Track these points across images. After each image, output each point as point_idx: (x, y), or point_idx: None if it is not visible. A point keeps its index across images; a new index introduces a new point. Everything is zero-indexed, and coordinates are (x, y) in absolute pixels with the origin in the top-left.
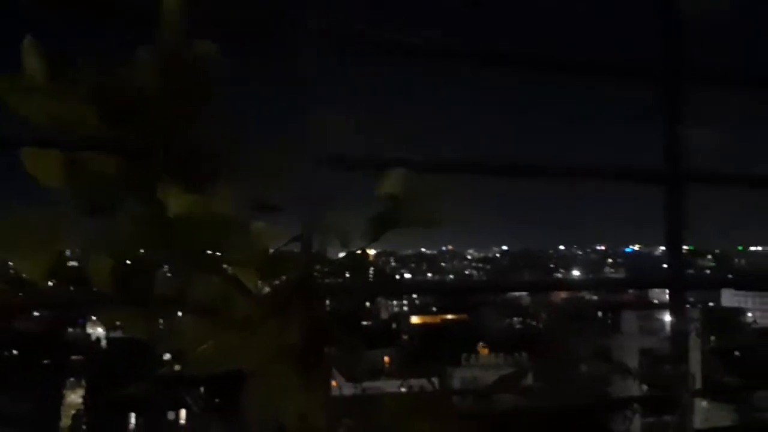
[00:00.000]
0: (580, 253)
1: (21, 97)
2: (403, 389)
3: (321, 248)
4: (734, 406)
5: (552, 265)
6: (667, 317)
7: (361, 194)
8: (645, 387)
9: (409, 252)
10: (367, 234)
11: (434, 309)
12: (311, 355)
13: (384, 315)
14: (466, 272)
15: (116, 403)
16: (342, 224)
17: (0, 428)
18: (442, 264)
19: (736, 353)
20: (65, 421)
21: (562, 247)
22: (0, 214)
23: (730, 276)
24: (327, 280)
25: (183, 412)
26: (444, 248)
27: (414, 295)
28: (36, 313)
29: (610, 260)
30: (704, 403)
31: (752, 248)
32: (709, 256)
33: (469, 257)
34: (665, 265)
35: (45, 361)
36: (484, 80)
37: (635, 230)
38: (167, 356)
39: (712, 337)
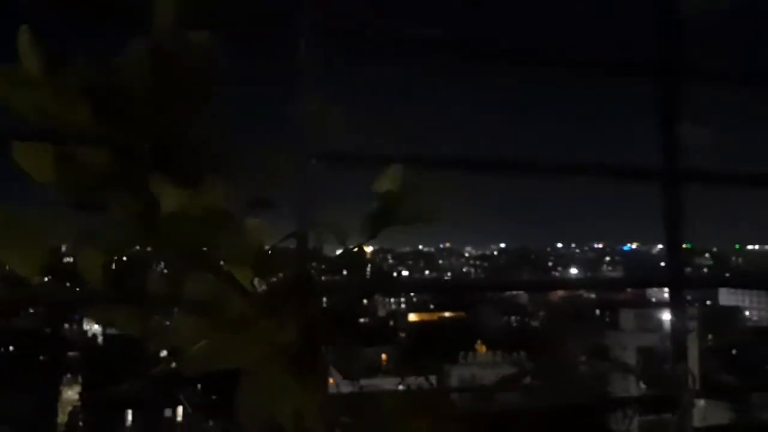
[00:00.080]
0: (577, 251)
1: (15, 89)
2: (401, 387)
3: (317, 245)
4: (732, 405)
5: (550, 263)
6: (665, 315)
7: (358, 191)
8: (643, 386)
9: (407, 249)
10: (364, 231)
11: (432, 306)
12: (307, 354)
13: (381, 312)
14: (464, 270)
15: (111, 401)
16: (338, 221)
17: None
18: (440, 261)
19: (734, 351)
20: (61, 418)
21: (559, 245)
22: None
23: (730, 275)
24: (323, 278)
25: (178, 410)
26: (442, 245)
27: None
28: (31, 310)
29: (608, 258)
30: (702, 402)
31: (749, 247)
32: (707, 255)
33: (466, 255)
34: (663, 264)
35: (40, 358)
36: (483, 80)
37: (633, 228)
38: (164, 353)
39: (710, 336)
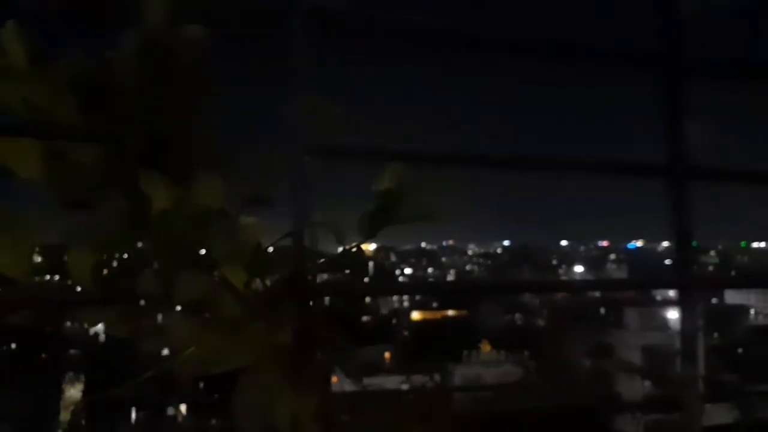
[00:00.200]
0: (582, 248)
1: (1, 83)
2: (404, 386)
3: (314, 245)
4: (737, 404)
5: (554, 262)
6: (670, 314)
7: (358, 190)
8: (648, 385)
9: (410, 247)
10: (362, 230)
11: (435, 305)
12: (302, 356)
13: (384, 311)
14: (467, 268)
15: (113, 399)
16: (337, 220)
17: None
18: (443, 259)
19: (739, 350)
20: (63, 416)
21: (564, 243)
22: None
23: (738, 274)
24: (321, 278)
25: (181, 409)
26: (444, 243)
27: None
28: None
29: (612, 256)
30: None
31: (755, 245)
32: (713, 253)
33: (470, 252)
34: (668, 261)
35: (42, 356)
36: (483, 80)
37: (637, 226)
38: (166, 351)
39: (716, 335)
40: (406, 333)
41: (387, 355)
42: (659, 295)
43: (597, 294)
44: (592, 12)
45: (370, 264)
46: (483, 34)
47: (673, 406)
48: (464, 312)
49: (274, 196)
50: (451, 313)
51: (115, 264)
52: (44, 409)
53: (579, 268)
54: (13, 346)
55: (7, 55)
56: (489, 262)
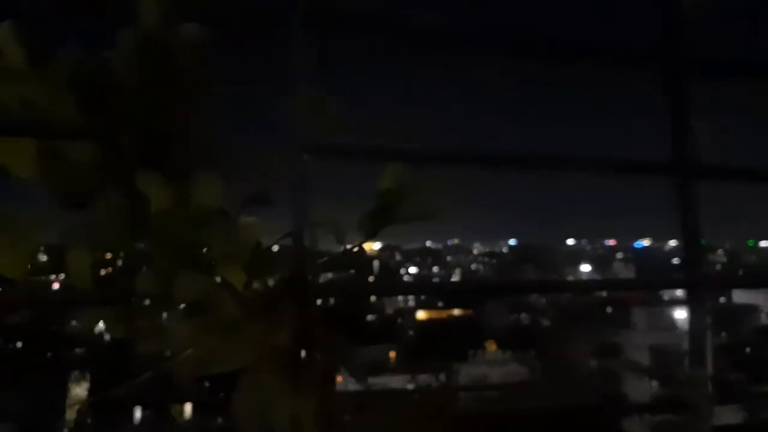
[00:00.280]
0: (589, 247)
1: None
2: (409, 385)
3: (314, 244)
4: (745, 404)
5: (560, 261)
6: (678, 313)
7: (358, 190)
8: (656, 385)
9: (415, 246)
10: (363, 230)
11: (440, 304)
12: (302, 356)
13: (389, 310)
14: (472, 267)
15: (118, 398)
16: (337, 220)
17: None
18: (448, 258)
19: (747, 350)
20: (69, 415)
21: (570, 242)
22: None
23: (747, 274)
24: (324, 278)
25: (186, 408)
26: (450, 242)
27: None
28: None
29: (619, 255)
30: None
31: (762, 243)
32: (720, 251)
33: (475, 251)
34: (675, 260)
35: (44, 355)
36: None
37: (645, 224)
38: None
39: (724, 334)
40: (411, 332)
41: (392, 354)
42: (667, 294)
43: (604, 294)
44: (593, 11)
45: (375, 263)
46: (483, 33)
47: (681, 407)
48: (470, 311)
49: (273, 196)
50: (456, 312)
51: (114, 264)
52: (50, 408)
53: (586, 267)
54: (19, 345)
55: (3, 55)
56: (494, 261)
